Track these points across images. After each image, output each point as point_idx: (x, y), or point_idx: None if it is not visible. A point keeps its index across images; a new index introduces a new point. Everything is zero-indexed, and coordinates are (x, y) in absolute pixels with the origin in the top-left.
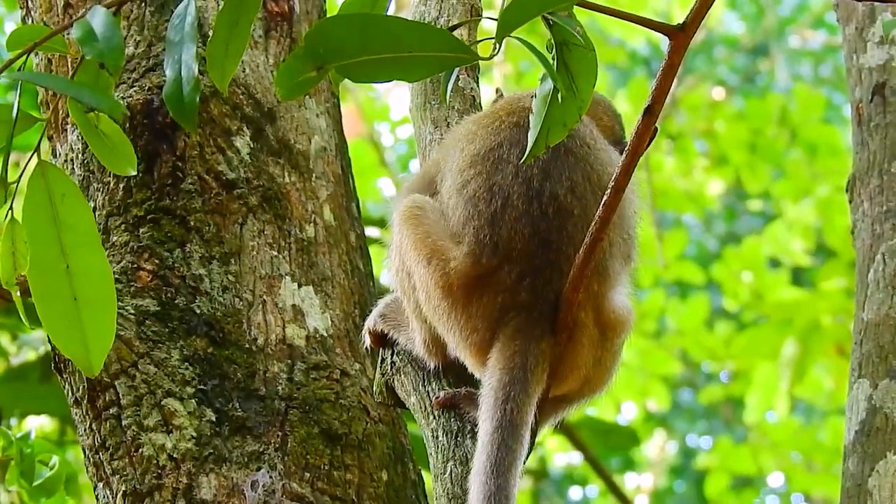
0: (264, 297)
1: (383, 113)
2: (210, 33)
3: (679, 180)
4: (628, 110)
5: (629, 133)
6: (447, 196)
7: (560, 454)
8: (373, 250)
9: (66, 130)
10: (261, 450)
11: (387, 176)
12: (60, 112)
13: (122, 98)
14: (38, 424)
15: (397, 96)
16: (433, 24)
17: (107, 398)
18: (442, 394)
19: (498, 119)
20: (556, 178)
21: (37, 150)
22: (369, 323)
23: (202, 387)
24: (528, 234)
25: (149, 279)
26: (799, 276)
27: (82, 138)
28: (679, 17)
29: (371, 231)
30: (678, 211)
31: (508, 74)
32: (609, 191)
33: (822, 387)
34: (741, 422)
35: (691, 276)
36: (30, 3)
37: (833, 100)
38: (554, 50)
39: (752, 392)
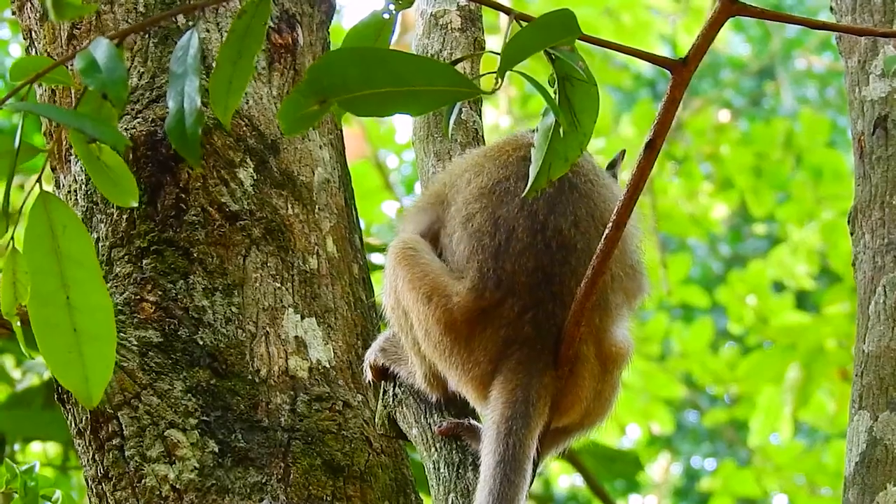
0: (267, 328)
1: (388, 135)
2: (213, 65)
3: (684, 203)
4: (633, 134)
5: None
6: (451, 229)
7: (564, 476)
8: (376, 277)
9: (69, 161)
10: (263, 481)
11: (391, 199)
12: (64, 142)
13: (126, 129)
14: (42, 450)
15: (402, 119)
16: (436, 57)
17: (109, 429)
18: (445, 423)
19: (505, 153)
20: (561, 212)
21: (39, 180)
22: (369, 357)
23: (205, 418)
24: (532, 267)
25: (152, 310)
26: (803, 300)
27: (85, 169)
28: (685, 42)
29: (375, 257)
30: (683, 234)
31: (514, 98)
32: (610, 225)
33: (825, 410)
34: (745, 444)
35: (696, 299)
36: (33, 34)
37: (838, 123)
38: (556, 84)
39: (756, 415)
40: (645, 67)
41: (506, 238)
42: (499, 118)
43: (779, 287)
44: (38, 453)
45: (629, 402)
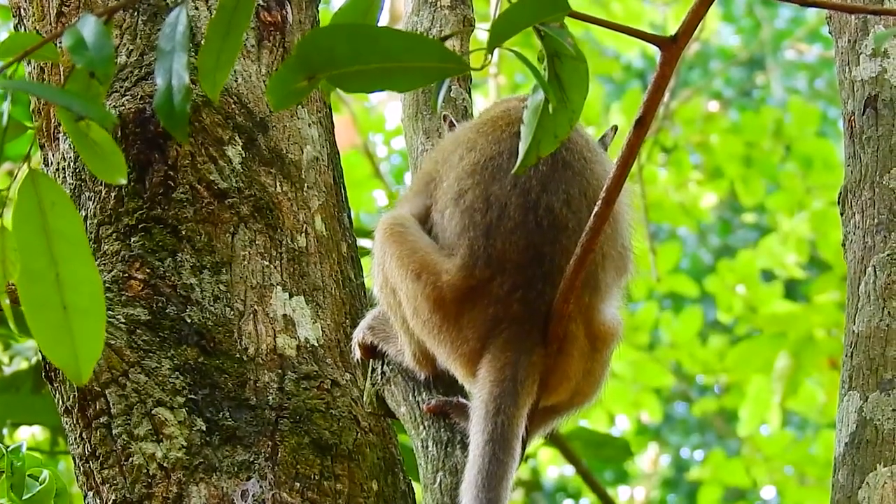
0: (255, 306)
1: (378, 124)
2: (202, 42)
3: (673, 193)
4: (623, 123)
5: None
6: (443, 206)
7: (553, 466)
8: (365, 262)
9: (57, 139)
10: (251, 459)
11: (381, 188)
12: (52, 120)
13: (114, 107)
14: (30, 435)
15: (392, 108)
16: (425, 34)
17: (97, 407)
18: (433, 401)
19: (498, 128)
20: (554, 190)
21: (27, 158)
22: (358, 335)
23: (193, 396)
24: (523, 245)
25: (140, 288)
26: (792, 290)
27: (74, 147)
28: (676, 28)
29: (364, 242)
30: (672, 223)
31: (503, 87)
32: (600, 202)
33: (815, 400)
34: (734, 435)
35: (685, 288)
36: (22, 11)
37: (828, 113)
38: (545, 61)
39: (746, 405)
40: (635, 58)
41: (497, 215)
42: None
43: (768, 276)
44: (27, 438)
45: (618, 392)
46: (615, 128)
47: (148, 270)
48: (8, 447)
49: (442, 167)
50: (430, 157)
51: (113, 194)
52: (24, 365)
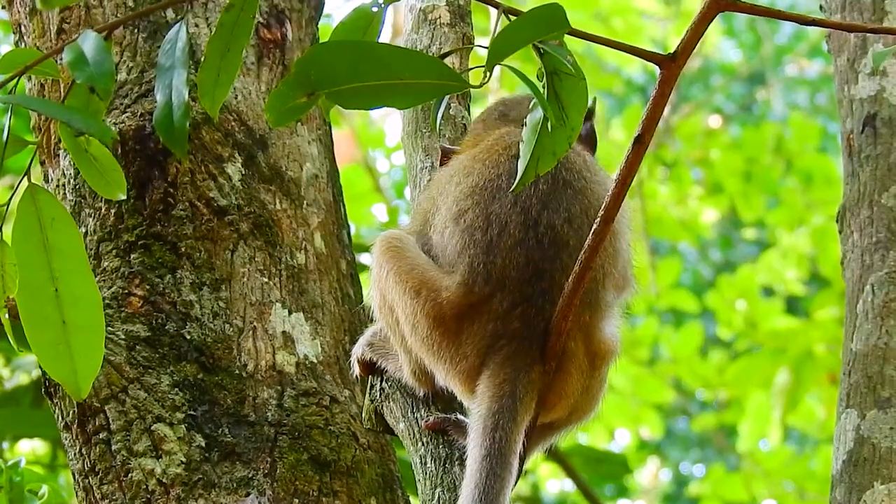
0: (254, 323)
1: (378, 138)
2: (202, 59)
3: (674, 208)
4: (623, 138)
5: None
6: (442, 226)
7: (553, 481)
8: (365, 277)
9: (58, 156)
10: (250, 475)
11: (381, 202)
12: (53, 137)
13: (115, 124)
14: (30, 448)
15: (392, 122)
16: (425, 51)
17: (97, 423)
18: (432, 418)
19: (495, 153)
20: (554, 208)
21: (27, 173)
22: (357, 352)
23: (192, 412)
24: (523, 262)
25: (139, 305)
26: (793, 305)
27: (74, 163)
28: (675, 46)
29: (364, 258)
30: (673, 239)
31: None
32: (598, 220)
33: (814, 415)
34: (734, 450)
35: (685, 304)
36: (23, 28)
37: (829, 129)
38: (545, 79)
39: (745, 420)
40: (636, 73)
41: (498, 233)
42: None
43: (768, 292)
44: (27, 452)
45: (619, 406)
46: (594, 100)
47: (147, 287)
48: (7, 462)
49: (438, 198)
50: (425, 195)
51: (113, 211)
52: (24, 379)
